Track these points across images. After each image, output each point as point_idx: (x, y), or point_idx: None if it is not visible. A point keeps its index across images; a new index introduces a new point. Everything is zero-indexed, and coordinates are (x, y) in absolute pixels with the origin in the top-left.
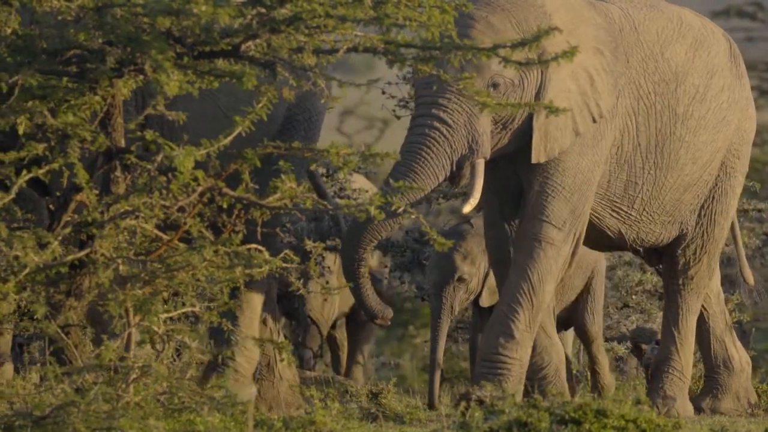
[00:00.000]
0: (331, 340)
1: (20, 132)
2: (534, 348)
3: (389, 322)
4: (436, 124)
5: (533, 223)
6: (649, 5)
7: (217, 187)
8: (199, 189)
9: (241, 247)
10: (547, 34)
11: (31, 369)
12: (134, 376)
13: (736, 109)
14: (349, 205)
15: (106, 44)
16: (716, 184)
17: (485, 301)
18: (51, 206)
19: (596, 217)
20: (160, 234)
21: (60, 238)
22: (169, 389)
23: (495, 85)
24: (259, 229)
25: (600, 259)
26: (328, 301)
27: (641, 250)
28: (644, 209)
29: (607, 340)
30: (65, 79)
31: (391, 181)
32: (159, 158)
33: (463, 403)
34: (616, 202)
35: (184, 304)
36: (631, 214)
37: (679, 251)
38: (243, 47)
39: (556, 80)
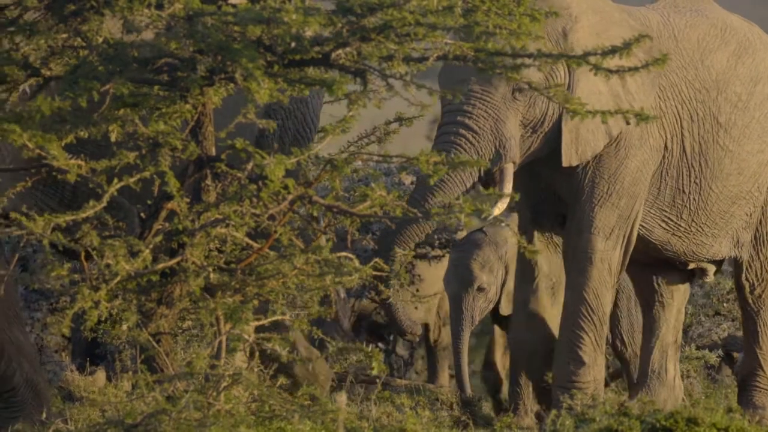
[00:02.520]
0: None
1: (112, 140)
2: None
3: (418, 338)
4: (462, 131)
5: (581, 237)
6: (694, 9)
7: (308, 195)
8: (290, 197)
9: (331, 255)
10: (638, 42)
11: (123, 377)
12: (225, 384)
13: None
14: (439, 212)
15: (197, 53)
16: (764, 205)
17: (505, 309)
18: (142, 215)
19: (646, 229)
20: (251, 242)
21: (151, 246)
22: (259, 397)
23: (520, 90)
24: (348, 237)
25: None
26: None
27: (689, 264)
28: (693, 220)
29: (698, 348)
30: (156, 87)
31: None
32: (249, 166)
33: (554, 411)
34: (665, 211)
35: (274, 312)
36: (680, 225)
37: (743, 276)
38: (333, 55)
39: (585, 81)
